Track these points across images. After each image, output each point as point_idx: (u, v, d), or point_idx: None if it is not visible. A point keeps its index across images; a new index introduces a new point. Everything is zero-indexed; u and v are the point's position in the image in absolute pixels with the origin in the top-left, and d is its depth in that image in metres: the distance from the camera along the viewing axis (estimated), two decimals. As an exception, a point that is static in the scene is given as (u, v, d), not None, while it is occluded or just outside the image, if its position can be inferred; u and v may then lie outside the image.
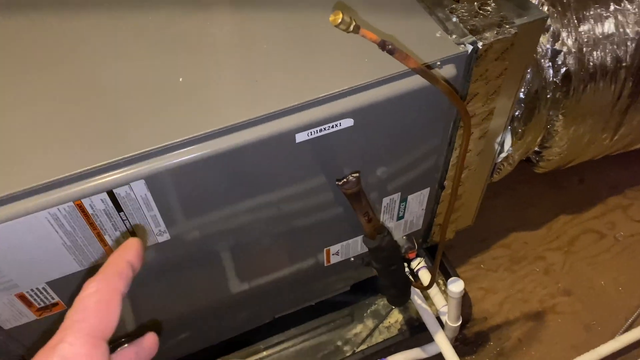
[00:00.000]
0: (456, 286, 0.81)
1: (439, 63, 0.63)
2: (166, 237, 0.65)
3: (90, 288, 0.35)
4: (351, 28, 0.42)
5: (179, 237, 0.65)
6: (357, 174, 0.53)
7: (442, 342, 0.92)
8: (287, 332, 1.05)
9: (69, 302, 0.65)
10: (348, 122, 0.62)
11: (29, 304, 0.64)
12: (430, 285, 0.80)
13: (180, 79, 0.62)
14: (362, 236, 0.80)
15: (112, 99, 0.60)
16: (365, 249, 0.88)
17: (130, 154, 0.54)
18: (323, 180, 0.67)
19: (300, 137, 0.61)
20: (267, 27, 0.68)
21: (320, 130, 0.61)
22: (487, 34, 0.65)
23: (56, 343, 0.32)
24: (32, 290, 0.62)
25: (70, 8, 0.71)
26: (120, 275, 0.36)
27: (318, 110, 0.60)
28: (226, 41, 0.66)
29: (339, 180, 0.53)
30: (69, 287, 0.64)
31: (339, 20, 0.41)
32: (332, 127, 0.62)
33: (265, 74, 0.62)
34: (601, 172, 1.38)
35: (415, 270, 0.96)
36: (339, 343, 1.05)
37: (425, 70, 0.49)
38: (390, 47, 0.44)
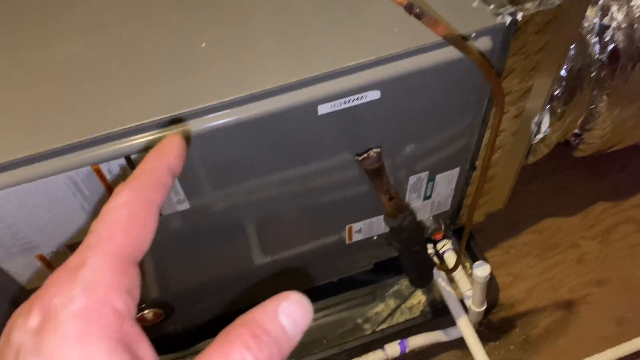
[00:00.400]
0: (482, 270, 0.78)
1: (473, 35, 0.59)
2: (185, 205, 0.64)
3: (121, 197, 0.29)
4: None
5: (198, 206, 0.65)
6: (379, 150, 0.50)
7: (465, 327, 0.90)
8: (307, 307, 1.05)
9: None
10: (374, 95, 0.59)
11: (49, 265, 0.65)
12: (455, 268, 0.78)
13: (203, 45, 0.60)
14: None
15: (131, 62, 0.59)
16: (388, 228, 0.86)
17: (149, 120, 0.53)
18: (346, 156, 0.64)
19: (323, 109, 0.58)
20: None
21: (345, 103, 0.59)
22: (528, 5, 0.60)
23: (78, 266, 0.26)
24: (52, 252, 0.63)
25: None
26: (156, 185, 0.30)
27: (342, 81, 0.57)
28: (248, 5, 0.64)
29: (359, 155, 0.51)
30: (89, 252, 0.65)
31: None
32: (357, 99, 0.59)
33: (288, 42, 0.60)
34: (645, 159, 1.31)
35: (440, 252, 0.93)
36: (359, 321, 1.04)
37: (457, 38, 0.46)
38: (417, 10, 0.40)
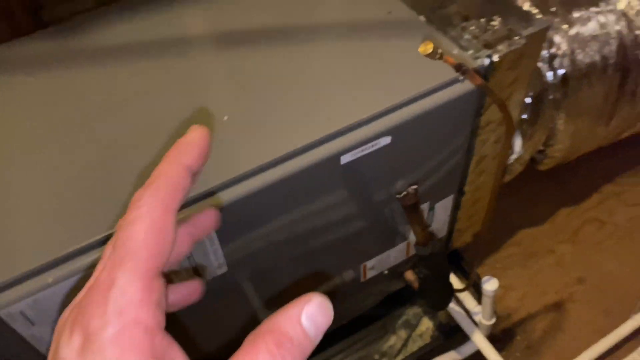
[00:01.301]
0: (491, 284, 0.85)
1: (461, 77, 0.68)
2: (224, 269, 0.67)
3: (142, 207, 0.29)
4: (438, 56, 0.49)
5: (234, 266, 0.68)
6: (416, 187, 0.57)
7: (480, 341, 0.96)
8: (324, 353, 1.07)
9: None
10: (386, 140, 0.67)
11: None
12: (468, 287, 0.84)
13: (225, 118, 0.65)
14: (405, 242, 0.84)
15: (169, 132, 0.63)
16: (398, 261, 0.93)
17: (199, 191, 0.58)
18: (367, 195, 0.71)
19: (345, 159, 0.65)
20: (304, 60, 0.72)
21: (362, 150, 0.66)
22: (500, 47, 0.70)
23: (108, 286, 0.27)
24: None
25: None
26: (175, 189, 0.30)
27: (359, 132, 0.64)
28: (265, 76, 0.70)
29: (399, 194, 0.57)
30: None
31: (430, 50, 0.48)
32: (372, 146, 0.66)
33: (306, 105, 0.66)
34: (593, 164, 1.45)
35: (443, 275, 1.00)
36: (377, 356, 1.07)
37: (486, 85, 0.56)
38: (464, 69, 0.50)
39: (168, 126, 0.65)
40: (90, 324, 0.27)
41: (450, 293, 0.80)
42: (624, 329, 1.11)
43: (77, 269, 0.55)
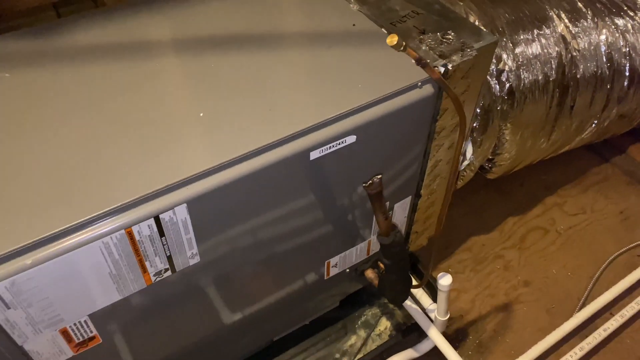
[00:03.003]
0: (445, 280, 0.91)
1: (419, 84, 0.75)
2: (197, 259, 0.70)
3: None
4: (402, 48, 0.55)
5: (207, 257, 0.71)
6: (380, 176, 0.62)
7: (436, 336, 1.01)
8: (286, 353, 1.10)
9: (105, 335, 0.69)
10: (351, 139, 0.72)
11: (69, 339, 0.66)
12: (424, 282, 0.90)
13: (201, 114, 0.69)
14: (366, 241, 0.89)
15: (144, 132, 0.66)
16: (360, 259, 0.97)
17: (175, 181, 0.60)
18: (333, 191, 0.76)
19: (314, 155, 0.70)
20: (274, 65, 0.77)
21: (330, 147, 0.71)
22: (454, 57, 0.78)
23: None
24: (74, 324, 0.65)
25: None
26: None
27: (327, 130, 0.69)
28: (237, 78, 0.74)
29: (365, 183, 0.62)
30: (107, 319, 0.68)
31: (395, 42, 0.54)
32: (339, 143, 0.71)
33: (277, 104, 0.71)
34: (537, 176, 1.56)
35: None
36: (337, 355, 1.11)
37: (442, 79, 0.62)
38: (424, 62, 0.56)
39: (136, 123, 0.68)
40: None
41: (408, 285, 0.85)
42: (567, 326, 1.20)
43: (55, 252, 0.56)
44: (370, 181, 0.61)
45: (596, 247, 1.41)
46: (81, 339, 0.67)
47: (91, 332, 0.68)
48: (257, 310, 0.89)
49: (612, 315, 1.22)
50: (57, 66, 0.76)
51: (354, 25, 0.85)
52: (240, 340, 0.97)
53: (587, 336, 1.19)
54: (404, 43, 0.58)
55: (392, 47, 0.57)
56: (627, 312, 1.21)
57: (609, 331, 1.19)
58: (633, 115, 1.32)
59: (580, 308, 1.26)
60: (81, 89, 0.72)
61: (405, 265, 0.79)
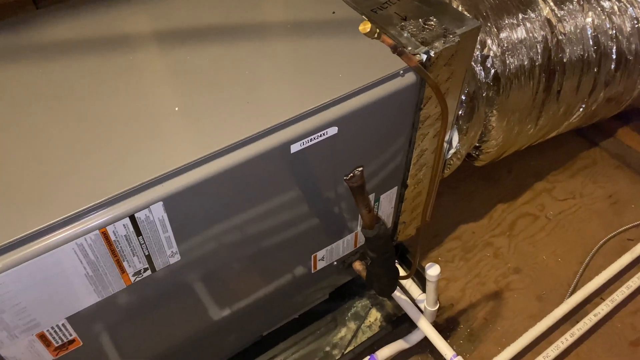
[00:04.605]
0: (433, 270, 0.90)
1: (401, 72, 0.73)
2: (177, 257, 0.68)
3: None
4: (375, 35, 0.53)
5: (188, 255, 0.69)
6: (361, 168, 0.60)
7: (426, 326, 1.01)
8: (276, 348, 1.09)
9: (85, 338, 0.67)
10: (333, 130, 0.70)
11: (47, 343, 0.64)
12: (411, 273, 0.89)
13: (176, 108, 0.67)
14: (353, 233, 0.87)
15: (117, 128, 0.64)
16: (347, 252, 0.96)
17: (149, 179, 0.59)
18: (317, 184, 0.74)
19: (295, 148, 0.68)
20: (252, 56, 0.75)
21: (311, 140, 0.69)
22: (436, 44, 0.76)
23: None
24: (52, 328, 0.63)
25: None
26: None
27: (307, 122, 0.68)
28: (214, 70, 0.72)
29: (346, 176, 0.61)
30: (86, 321, 0.66)
31: (368, 29, 0.51)
32: (320, 136, 0.69)
33: (255, 96, 0.69)
34: (525, 162, 1.56)
35: (390, 266, 1.04)
36: (328, 348, 1.10)
37: (421, 67, 0.60)
38: (400, 49, 0.54)
39: (109, 119, 0.66)
40: None
41: (395, 277, 0.84)
42: (558, 312, 1.19)
43: (26, 256, 0.54)
44: (351, 174, 0.59)
45: (586, 232, 1.40)
46: (60, 343, 0.66)
47: (70, 335, 0.66)
48: (244, 306, 0.88)
49: (603, 300, 1.22)
50: (28, 61, 0.73)
51: (333, 13, 0.83)
52: (228, 337, 0.96)
53: (578, 322, 1.18)
54: (377, 30, 0.56)
55: (366, 34, 0.55)
56: (618, 296, 1.21)
57: (599, 316, 1.18)
58: (621, 98, 1.31)
59: (571, 294, 1.26)
60: (50, 84, 0.70)
61: (391, 258, 0.78)
